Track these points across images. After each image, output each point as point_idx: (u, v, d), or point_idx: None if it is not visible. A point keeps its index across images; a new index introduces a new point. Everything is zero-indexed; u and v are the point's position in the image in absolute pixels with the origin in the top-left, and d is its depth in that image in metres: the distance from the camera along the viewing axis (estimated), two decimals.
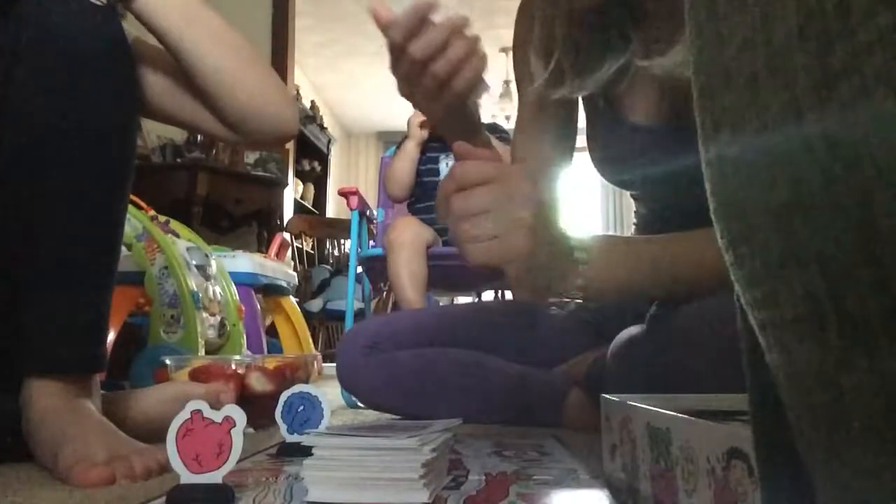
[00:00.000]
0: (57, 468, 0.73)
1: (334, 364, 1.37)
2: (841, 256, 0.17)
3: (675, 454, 0.50)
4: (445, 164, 1.78)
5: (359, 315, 2.06)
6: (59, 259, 0.81)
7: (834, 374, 0.18)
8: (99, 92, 0.83)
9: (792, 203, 0.18)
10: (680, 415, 0.50)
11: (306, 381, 1.26)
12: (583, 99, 1.05)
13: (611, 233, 0.95)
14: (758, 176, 0.19)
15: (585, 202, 6.57)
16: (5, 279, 0.81)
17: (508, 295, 2.17)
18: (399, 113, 6.49)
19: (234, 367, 1.22)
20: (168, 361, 1.24)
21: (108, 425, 0.79)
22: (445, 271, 1.72)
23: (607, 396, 0.68)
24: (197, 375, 1.20)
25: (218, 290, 1.95)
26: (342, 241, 4.16)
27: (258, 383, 1.20)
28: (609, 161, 1.05)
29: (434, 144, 1.81)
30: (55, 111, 0.81)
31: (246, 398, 1.17)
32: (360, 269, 2.06)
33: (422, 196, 1.79)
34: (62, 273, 0.82)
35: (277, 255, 2.75)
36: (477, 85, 0.84)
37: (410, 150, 1.77)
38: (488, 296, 2.43)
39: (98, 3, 0.83)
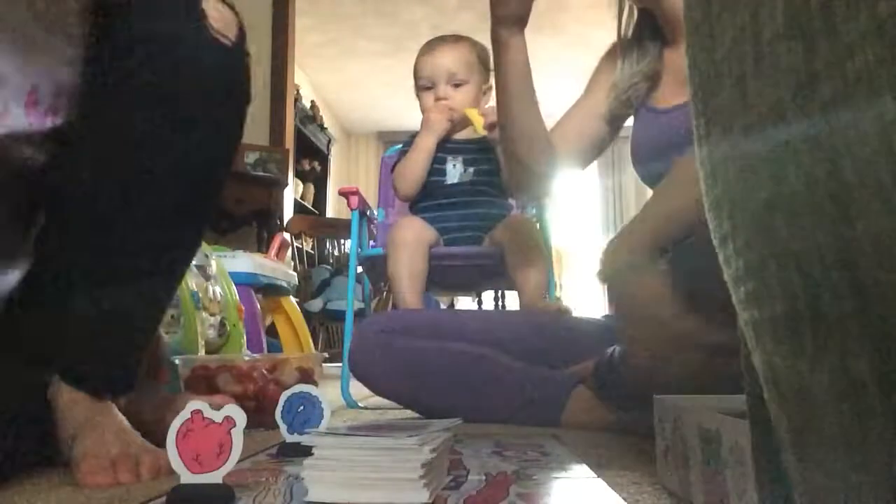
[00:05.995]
0: (71, 463, 0.75)
1: (334, 364, 1.39)
2: (818, 257, 0.17)
3: (725, 456, 0.50)
4: (452, 166, 1.76)
5: (359, 315, 2.05)
6: (124, 282, 0.82)
7: (807, 376, 0.18)
8: (207, 130, 0.83)
9: (773, 203, 0.18)
10: (730, 416, 0.50)
11: (302, 382, 1.27)
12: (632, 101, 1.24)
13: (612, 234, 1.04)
14: (743, 176, 0.19)
15: (584, 204, 6.57)
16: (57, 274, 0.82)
17: (508, 295, 2.17)
18: (399, 113, 6.50)
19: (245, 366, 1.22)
20: (177, 361, 1.25)
21: (125, 423, 0.80)
22: (446, 271, 1.72)
23: (659, 397, 0.68)
24: (207, 374, 1.21)
25: (218, 290, 1.95)
26: (342, 241, 4.15)
27: (226, 384, 1.20)
28: (644, 152, 1.19)
29: (442, 145, 1.80)
30: (159, 142, 0.81)
31: (250, 398, 1.17)
32: (360, 269, 2.06)
33: (426, 196, 1.78)
34: (123, 295, 0.82)
35: (277, 255, 2.75)
36: None
37: (429, 145, 1.73)
38: (488, 296, 2.43)
39: (226, 42, 0.83)
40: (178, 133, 0.81)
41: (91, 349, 0.82)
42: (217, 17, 0.82)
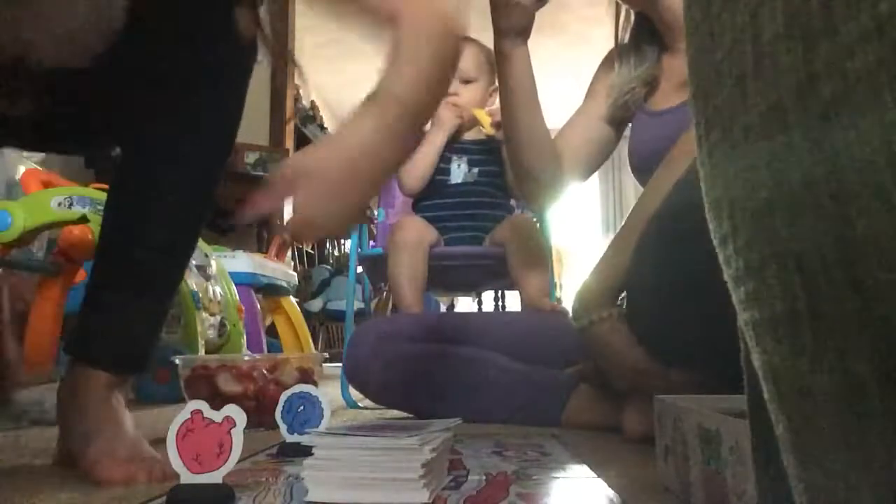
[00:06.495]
0: (84, 459, 0.76)
1: (334, 364, 1.39)
2: (817, 257, 0.17)
3: (725, 456, 0.50)
4: (457, 166, 1.76)
5: (359, 315, 2.06)
6: (138, 262, 0.85)
7: (807, 376, 0.18)
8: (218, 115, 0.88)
9: (773, 203, 0.18)
10: (730, 416, 0.50)
11: (302, 382, 1.27)
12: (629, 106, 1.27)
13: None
14: (743, 176, 0.19)
15: (584, 204, 6.57)
16: None
17: (509, 296, 2.17)
18: None
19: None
20: (178, 361, 1.25)
21: (135, 429, 0.81)
22: (446, 271, 1.72)
23: (660, 397, 0.68)
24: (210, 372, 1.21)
25: (218, 290, 1.95)
26: (342, 241, 4.16)
27: (226, 384, 1.20)
28: (640, 154, 1.21)
29: (448, 145, 1.80)
30: (177, 127, 0.84)
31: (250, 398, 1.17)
32: (360, 269, 2.06)
33: (429, 195, 1.78)
34: (137, 277, 0.85)
35: (277, 255, 2.75)
36: None
37: (439, 141, 1.73)
38: (488, 296, 2.43)
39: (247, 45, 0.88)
40: (189, 121, 0.84)
41: (111, 328, 0.84)
42: (244, 19, 0.86)
